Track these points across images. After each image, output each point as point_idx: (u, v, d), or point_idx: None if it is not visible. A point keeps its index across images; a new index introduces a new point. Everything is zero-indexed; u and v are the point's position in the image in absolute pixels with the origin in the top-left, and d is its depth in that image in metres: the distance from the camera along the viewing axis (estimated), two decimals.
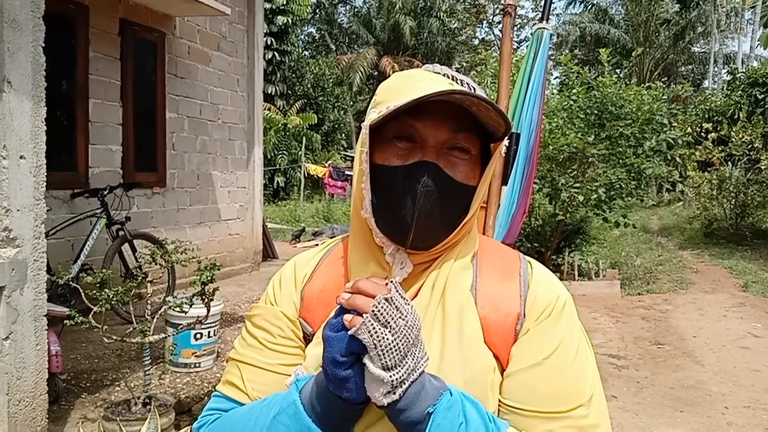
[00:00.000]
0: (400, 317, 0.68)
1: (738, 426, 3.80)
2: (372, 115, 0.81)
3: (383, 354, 0.67)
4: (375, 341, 0.67)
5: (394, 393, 0.68)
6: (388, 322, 0.67)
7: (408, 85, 0.80)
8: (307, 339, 0.88)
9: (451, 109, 0.79)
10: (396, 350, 0.67)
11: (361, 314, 0.68)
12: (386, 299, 0.68)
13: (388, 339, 0.67)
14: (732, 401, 4.18)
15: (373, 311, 0.67)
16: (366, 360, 0.68)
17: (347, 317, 0.69)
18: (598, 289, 7.63)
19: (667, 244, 12.24)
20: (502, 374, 0.82)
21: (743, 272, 8.92)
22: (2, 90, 2.63)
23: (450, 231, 0.82)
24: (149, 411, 2.85)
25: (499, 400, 0.81)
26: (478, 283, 0.85)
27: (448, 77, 0.84)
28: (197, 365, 3.99)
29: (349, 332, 0.68)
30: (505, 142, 0.84)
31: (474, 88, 0.83)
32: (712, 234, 12.30)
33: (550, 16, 1.38)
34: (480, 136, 0.83)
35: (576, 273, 8.22)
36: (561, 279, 8.55)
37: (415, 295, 0.83)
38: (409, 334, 0.68)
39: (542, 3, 1.45)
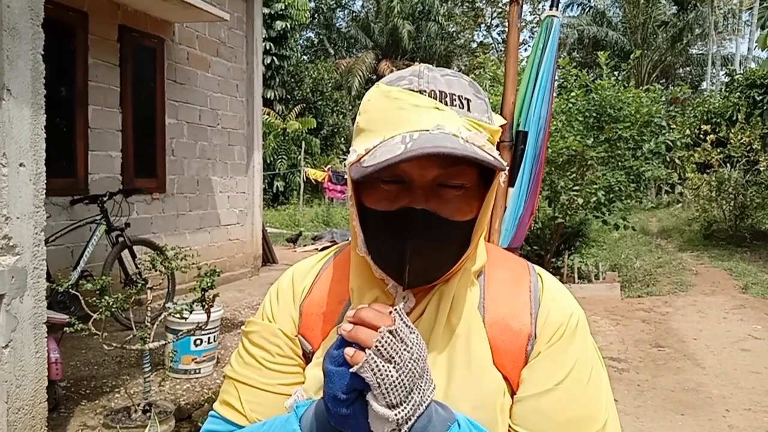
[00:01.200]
0: (405, 350, 0.63)
1: (739, 429, 3.80)
2: (351, 156, 0.75)
3: (388, 392, 0.62)
4: (379, 379, 0.62)
5: (400, 430, 0.63)
6: (393, 357, 0.62)
7: (392, 115, 0.73)
8: (307, 357, 0.86)
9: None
10: (401, 387, 0.63)
11: (363, 348, 0.63)
12: (390, 332, 0.63)
13: (392, 376, 0.62)
14: (733, 404, 4.18)
15: (376, 347, 0.62)
16: (369, 398, 0.63)
17: (349, 351, 0.63)
18: (598, 292, 7.63)
19: (666, 246, 12.24)
20: (512, 396, 0.79)
21: (743, 274, 8.92)
22: (2, 98, 2.63)
23: (450, 265, 0.78)
24: (149, 418, 2.85)
25: (510, 426, 0.78)
26: (485, 300, 0.81)
27: (436, 95, 0.75)
28: (197, 371, 3.99)
29: (351, 369, 0.63)
30: (505, 172, 0.76)
31: (468, 101, 0.76)
32: (712, 236, 12.30)
33: (559, 2, 1.32)
34: (475, 164, 0.73)
35: (576, 276, 8.22)
36: (561, 282, 8.71)
37: (421, 315, 0.80)
38: (415, 368, 0.64)
39: None
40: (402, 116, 0.72)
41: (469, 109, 0.76)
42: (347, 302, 0.85)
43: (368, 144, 0.73)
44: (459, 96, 0.75)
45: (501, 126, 0.83)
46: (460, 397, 0.75)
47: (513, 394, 0.79)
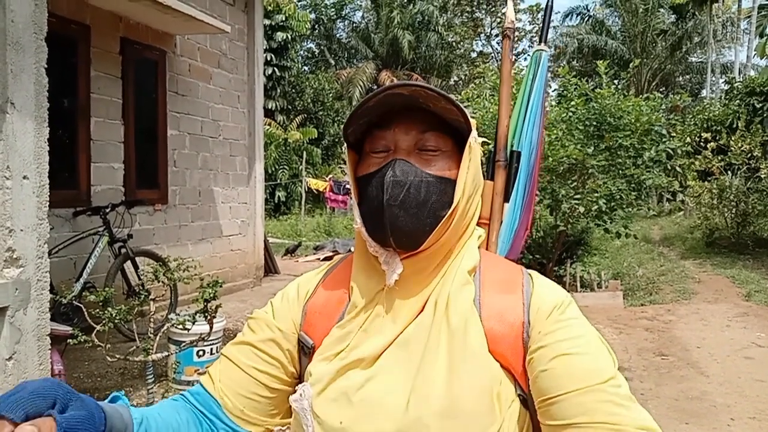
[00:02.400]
0: None
1: None
2: (342, 133, 0.89)
3: None
4: None
5: None
6: None
7: (367, 97, 0.85)
8: (307, 352, 0.90)
9: (417, 115, 0.85)
10: None
11: None
12: None
13: None
14: (737, 412, 4.16)
15: None
16: None
17: None
18: (601, 301, 7.61)
19: (668, 254, 12.22)
20: (514, 383, 0.81)
21: (746, 281, 8.89)
22: (6, 111, 2.65)
23: (434, 224, 0.83)
24: None
25: (537, 402, 0.79)
26: (481, 297, 0.85)
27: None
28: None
29: None
30: (475, 134, 0.88)
31: (450, 99, 0.86)
32: (714, 243, 12.28)
33: (547, 38, 1.41)
34: (452, 135, 0.88)
35: (578, 284, 8.21)
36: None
37: (420, 312, 0.84)
38: None
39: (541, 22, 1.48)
40: (378, 91, 0.84)
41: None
42: (347, 302, 0.90)
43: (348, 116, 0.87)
44: (442, 93, 0.88)
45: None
46: (461, 387, 0.78)
47: (516, 381, 0.81)
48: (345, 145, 0.91)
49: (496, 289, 0.86)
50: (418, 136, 0.86)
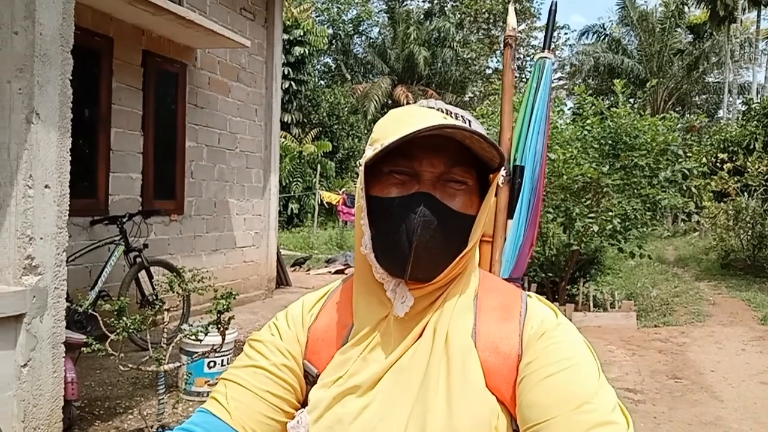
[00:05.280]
0: None
1: None
2: (368, 153, 0.82)
3: None
4: None
5: None
6: None
7: (402, 120, 0.81)
8: (310, 380, 0.88)
9: (445, 143, 0.80)
10: None
11: None
12: None
13: None
14: None
15: None
16: None
17: None
18: (614, 321, 7.53)
19: (683, 275, 12.08)
20: (510, 419, 0.80)
21: (761, 305, 8.76)
22: (31, 121, 2.71)
23: (450, 261, 0.82)
24: None
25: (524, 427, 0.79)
26: (478, 325, 0.84)
27: (442, 111, 0.86)
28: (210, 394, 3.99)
29: None
30: (503, 172, 0.85)
31: (469, 122, 0.85)
32: (729, 265, 12.13)
33: (551, 44, 1.39)
34: (476, 167, 0.84)
35: (591, 304, 8.14)
36: (576, 310, 8.26)
37: (419, 337, 0.83)
38: None
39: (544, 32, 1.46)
40: (412, 120, 0.80)
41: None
42: (350, 326, 0.88)
43: (384, 142, 0.80)
44: (462, 116, 0.88)
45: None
46: (461, 418, 0.77)
47: (509, 414, 0.80)
48: (362, 164, 0.84)
49: (494, 316, 0.85)
50: (445, 167, 0.82)
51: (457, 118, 0.85)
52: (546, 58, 1.38)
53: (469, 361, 0.81)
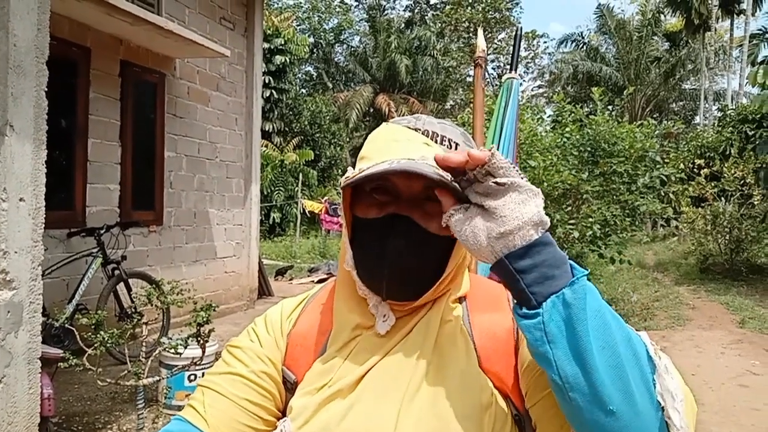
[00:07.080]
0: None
1: None
2: (348, 173, 0.82)
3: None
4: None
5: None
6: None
7: (383, 149, 0.82)
8: (289, 388, 0.88)
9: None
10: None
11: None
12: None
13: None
14: None
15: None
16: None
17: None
18: None
19: (663, 280, 12.23)
20: (509, 404, 0.80)
21: (740, 308, 8.90)
22: (5, 134, 2.66)
23: (430, 282, 0.82)
24: None
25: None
26: (471, 317, 0.86)
27: (428, 134, 0.84)
28: None
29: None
30: (451, 211, 0.80)
31: (456, 144, 0.84)
32: (708, 269, 12.31)
33: (518, 66, 1.45)
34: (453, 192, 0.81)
35: None
36: None
37: (408, 333, 0.83)
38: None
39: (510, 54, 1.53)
40: (395, 147, 0.81)
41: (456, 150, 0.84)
42: (329, 333, 0.87)
43: (363, 166, 0.81)
44: (450, 139, 0.85)
45: None
46: (449, 407, 0.77)
47: (510, 400, 0.81)
48: (342, 183, 0.83)
49: (484, 308, 0.87)
50: (423, 187, 0.79)
51: (443, 142, 0.84)
52: (513, 78, 1.44)
53: (462, 347, 0.82)
